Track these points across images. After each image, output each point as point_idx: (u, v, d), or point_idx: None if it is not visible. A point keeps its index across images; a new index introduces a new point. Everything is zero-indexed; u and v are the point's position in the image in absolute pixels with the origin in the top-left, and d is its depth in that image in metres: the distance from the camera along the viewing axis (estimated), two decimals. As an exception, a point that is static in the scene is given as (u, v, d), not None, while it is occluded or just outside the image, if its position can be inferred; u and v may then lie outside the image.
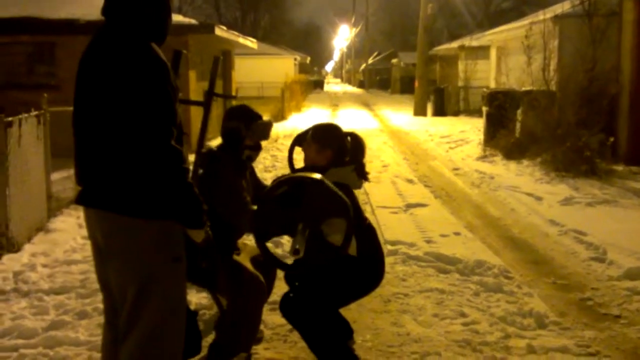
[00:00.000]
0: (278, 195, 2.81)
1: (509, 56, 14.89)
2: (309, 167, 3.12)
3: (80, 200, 2.34)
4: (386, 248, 5.48)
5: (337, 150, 3.17)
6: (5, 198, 5.33)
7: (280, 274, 3.59)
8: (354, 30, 49.37)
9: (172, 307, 2.31)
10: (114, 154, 2.19)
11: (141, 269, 2.24)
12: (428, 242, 5.67)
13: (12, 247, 5.40)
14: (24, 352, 3.35)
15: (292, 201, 2.78)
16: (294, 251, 2.58)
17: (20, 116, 5.64)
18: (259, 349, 3.49)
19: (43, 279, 4.68)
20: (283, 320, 3.87)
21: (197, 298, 4.22)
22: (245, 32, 21.89)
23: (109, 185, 2.22)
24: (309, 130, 3.28)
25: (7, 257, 5.19)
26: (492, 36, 18.96)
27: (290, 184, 2.81)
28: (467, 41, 23.04)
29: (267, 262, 3.12)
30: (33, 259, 5.18)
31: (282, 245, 5.54)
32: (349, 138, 3.25)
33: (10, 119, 5.49)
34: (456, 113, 21.69)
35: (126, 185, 2.20)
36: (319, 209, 2.73)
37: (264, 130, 3.38)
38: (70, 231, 6.09)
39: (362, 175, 3.21)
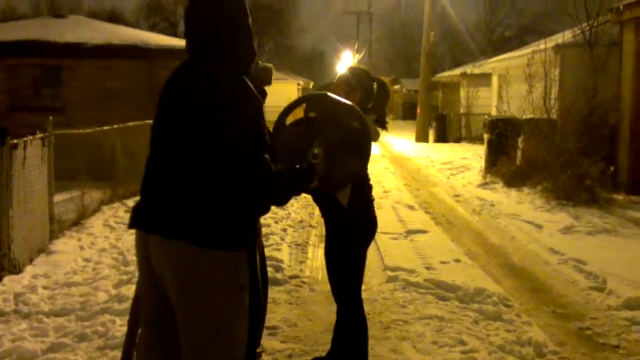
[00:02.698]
0: (289, 125, 2.83)
1: (510, 84, 15.02)
2: None
3: (142, 225, 2.27)
4: (386, 275, 5.50)
5: (365, 93, 3.25)
6: (8, 220, 5.37)
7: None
8: (358, 57, 49.85)
9: (240, 336, 2.29)
10: (194, 183, 2.16)
11: (211, 299, 2.19)
12: (428, 269, 5.68)
13: (14, 268, 5.42)
14: (23, 374, 3.36)
15: (304, 124, 2.80)
16: (313, 156, 2.51)
17: (25, 139, 5.71)
18: (257, 375, 3.49)
19: (44, 301, 4.69)
20: (282, 346, 3.90)
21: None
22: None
23: (184, 214, 2.17)
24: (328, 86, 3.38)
25: (8, 279, 5.21)
26: (494, 64, 19.15)
27: (297, 105, 2.83)
28: (470, 69, 23.25)
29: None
30: (34, 281, 5.20)
31: (283, 270, 5.56)
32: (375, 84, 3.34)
33: (15, 141, 5.55)
34: (458, 140, 21.79)
35: (202, 215, 2.16)
36: (331, 122, 2.69)
37: (266, 74, 3.43)
38: (72, 253, 6.12)
39: (383, 125, 3.31)
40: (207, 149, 2.14)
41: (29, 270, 5.55)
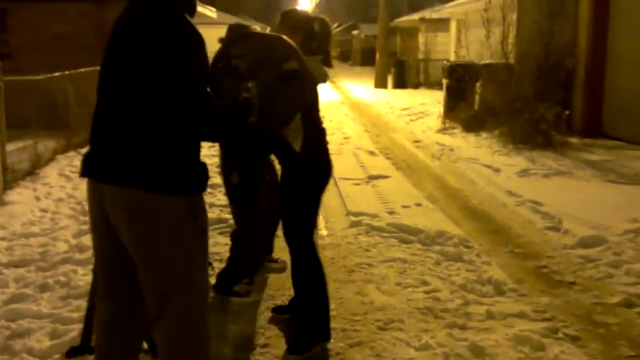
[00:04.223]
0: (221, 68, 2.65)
1: (469, 29, 15.03)
2: None
3: (95, 174, 2.21)
4: (349, 219, 5.55)
5: (306, 34, 3.20)
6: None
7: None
8: (314, 1, 49.03)
9: (202, 280, 2.30)
10: (147, 127, 2.10)
11: (170, 244, 2.16)
12: (390, 213, 5.75)
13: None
14: (-15, 325, 3.30)
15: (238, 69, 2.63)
16: (246, 89, 2.40)
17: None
18: (226, 323, 3.51)
19: (1, 252, 4.59)
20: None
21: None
22: (203, 1, 21.46)
23: (138, 161, 2.12)
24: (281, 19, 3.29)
25: (-39, 230, 5.07)
26: (453, 9, 19.09)
27: (228, 45, 2.68)
28: (428, 14, 23.12)
29: None
30: (-11, 232, 5.07)
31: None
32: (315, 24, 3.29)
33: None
34: (416, 85, 21.84)
35: (156, 160, 2.11)
36: (266, 59, 2.56)
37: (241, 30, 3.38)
38: (28, 203, 5.97)
39: (328, 64, 3.29)
40: (156, 92, 2.09)
41: (-18, 221, 5.40)
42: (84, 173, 2.25)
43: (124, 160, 2.14)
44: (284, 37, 2.64)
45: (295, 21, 3.24)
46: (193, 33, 2.15)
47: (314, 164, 3.24)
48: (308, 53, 3.13)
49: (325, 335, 3.30)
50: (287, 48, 2.55)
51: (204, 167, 2.26)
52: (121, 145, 2.14)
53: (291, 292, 3.93)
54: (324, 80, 3.26)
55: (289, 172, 3.28)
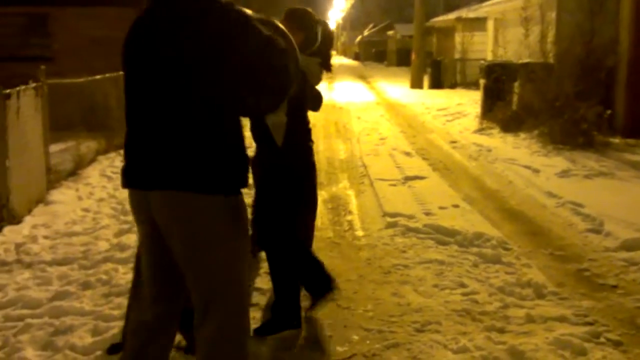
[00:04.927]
0: None
1: (506, 28, 14.80)
2: None
3: (136, 183, 2.21)
4: (385, 220, 5.53)
5: (308, 34, 3.25)
6: (5, 170, 5.33)
7: None
8: (349, 2, 48.98)
9: (244, 278, 2.30)
10: (183, 128, 2.10)
11: (218, 244, 2.16)
12: (427, 214, 5.71)
13: (13, 218, 5.41)
14: (30, 321, 3.38)
15: None
16: None
17: (18, 88, 5.61)
18: (262, 320, 3.53)
19: (45, 250, 4.71)
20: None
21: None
22: (238, 3, 21.68)
23: (182, 163, 2.11)
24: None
25: (8, 229, 5.21)
26: (489, 8, 18.83)
27: None
28: (464, 13, 22.88)
29: None
30: (34, 231, 5.20)
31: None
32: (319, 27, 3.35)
33: (8, 91, 5.46)
34: (453, 86, 21.63)
35: (193, 160, 2.11)
36: None
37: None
38: (70, 203, 6.11)
39: (327, 67, 3.36)
40: (204, 90, 2.07)
41: (28, 220, 5.54)
42: (125, 184, 2.24)
43: (163, 165, 2.13)
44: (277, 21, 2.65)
45: (299, 20, 3.28)
46: (234, 17, 2.10)
47: (293, 162, 3.28)
48: (307, 53, 3.18)
49: (296, 323, 3.37)
50: (275, 27, 2.56)
51: (244, 162, 2.23)
52: (159, 150, 2.13)
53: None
54: (316, 83, 3.34)
55: (269, 166, 3.32)
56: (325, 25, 3.40)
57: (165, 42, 2.11)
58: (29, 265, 4.39)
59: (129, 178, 2.23)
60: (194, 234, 2.16)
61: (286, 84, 2.20)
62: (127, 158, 2.24)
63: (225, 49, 2.07)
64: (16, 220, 5.45)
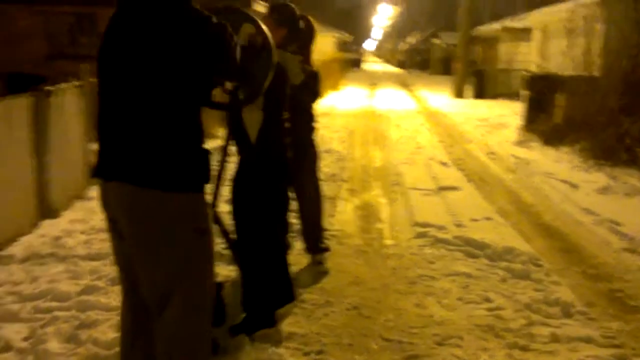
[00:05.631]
0: None
1: (550, 39, 14.54)
2: None
3: (100, 173, 2.26)
4: (415, 230, 5.49)
5: (291, 29, 3.30)
6: (44, 165, 5.49)
7: None
8: (395, 10, 48.86)
9: (203, 279, 2.29)
10: (145, 122, 2.14)
11: (170, 243, 2.18)
12: (458, 225, 5.65)
13: (51, 213, 5.57)
14: (58, 314, 3.48)
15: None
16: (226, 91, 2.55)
17: (61, 86, 5.77)
18: (283, 325, 3.55)
19: (80, 245, 4.82)
20: (307, 296, 3.95)
21: (226, 271, 4.31)
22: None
23: (137, 157, 2.15)
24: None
25: (46, 223, 5.36)
26: (535, 18, 18.53)
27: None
28: (509, 22, 22.58)
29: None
30: (71, 226, 5.33)
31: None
32: (301, 22, 3.41)
33: (51, 88, 5.63)
34: (495, 96, 21.31)
35: (151, 156, 2.14)
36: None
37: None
38: (107, 200, 6.23)
39: (307, 63, 3.43)
40: (172, 84, 2.11)
41: (66, 215, 5.69)
42: (92, 174, 2.30)
43: (121, 157, 2.18)
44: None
45: (282, 15, 3.32)
46: (208, 25, 2.13)
47: (267, 159, 3.29)
48: (290, 49, 3.22)
49: (271, 321, 3.39)
50: (246, 16, 2.57)
51: (204, 161, 2.24)
52: (119, 143, 2.18)
53: (350, 300, 3.95)
54: (297, 81, 3.36)
55: (242, 163, 3.36)
56: (307, 21, 3.46)
57: (129, 42, 2.16)
58: (63, 259, 4.51)
59: (94, 169, 2.28)
60: (140, 229, 2.18)
61: (239, 74, 2.29)
62: (98, 151, 2.29)
63: (183, 49, 2.10)
64: (54, 214, 5.61)
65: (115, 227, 2.29)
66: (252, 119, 3.15)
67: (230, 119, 3.35)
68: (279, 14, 3.31)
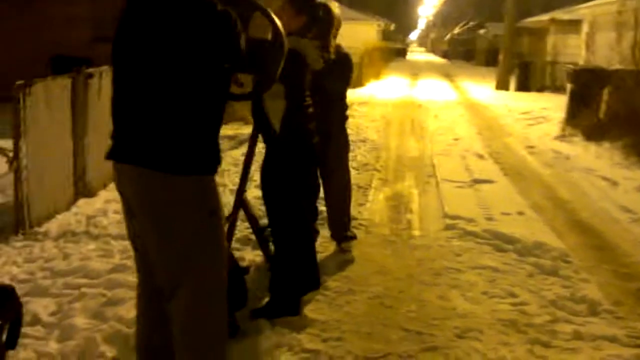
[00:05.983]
0: None
1: (600, 32, 14.14)
2: None
3: (112, 155, 2.30)
4: (444, 222, 5.45)
5: (311, 17, 3.29)
6: (83, 145, 5.64)
7: None
8: (440, 0, 48.27)
9: (213, 261, 2.32)
10: (157, 106, 2.17)
11: (179, 225, 2.22)
12: (489, 219, 5.58)
13: (88, 192, 5.73)
14: (85, 291, 3.59)
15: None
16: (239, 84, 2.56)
17: (100, 68, 5.91)
18: (305, 310, 3.58)
19: (113, 224, 4.95)
20: (332, 284, 3.98)
21: (252, 255, 4.37)
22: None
23: (147, 141, 2.19)
24: None
25: (82, 201, 5.52)
26: (586, 10, 18.03)
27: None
28: (559, 14, 22.02)
29: None
30: (106, 205, 5.48)
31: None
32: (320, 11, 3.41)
33: (91, 70, 5.76)
34: (541, 89, 20.84)
35: (165, 141, 2.17)
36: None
37: None
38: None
39: (326, 50, 3.42)
40: (174, 71, 2.13)
41: (102, 194, 5.85)
42: (106, 156, 2.34)
43: (132, 141, 2.22)
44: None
45: (298, 4, 3.30)
46: (212, 12, 2.15)
47: (292, 146, 3.30)
48: (310, 36, 3.20)
49: (295, 309, 3.42)
50: (257, 6, 2.55)
51: (213, 147, 2.28)
52: (130, 126, 2.22)
53: (373, 289, 3.96)
54: (317, 66, 3.34)
55: (269, 150, 3.38)
56: (326, 8, 3.44)
57: (139, 27, 2.19)
58: (96, 237, 4.65)
59: (108, 151, 2.32)
60: (149, 211, 2.22)
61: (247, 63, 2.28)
62: (111, 133, 2.33)
63: (186, 35, 2.12)
64: (91, 193, 5.77)
65: (129, 208, 2.34)
66: (275, 108, 3.17)
67: (254, 108, 3.39)
68: (295, 2, 3.31)
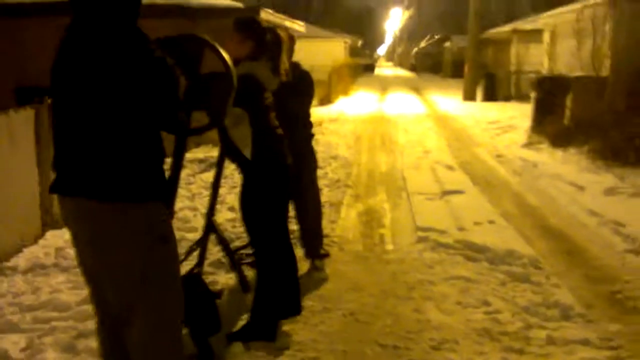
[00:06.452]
0: None
1: (560, 40, 14.45)
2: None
3: (56, 188, 2.25)
4: (417, 235, 5.48)
5: (258, 42, 3.33)
6: (49, 177, 5.56)
7: None
8: (407, 13, 48.89)
9: (167, 288, 2.29)
10: (99, 137, 2.14)
11: (130, 253, 2.19)
12: (460, 229, 5.63)
13: (56, 223, 5.64)
14: (56, 324, 3.52)
15: None
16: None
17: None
18: (280, 331, 3.56)
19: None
20: (305, 302, 3.96)
21: (224, 279, 4.34)
22: (297, 16, 21.91)
23: (92, 172, 2.16)
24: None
25: (50, 233, 5.43)
26: (547, 19, 18.42)
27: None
28: (520, 24, 22.46)
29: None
30: (75, 236, 5.39)
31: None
32: (268, 35, 3.45)
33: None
34: (507, 98, 21.20)
35: (109, 170, 2.15)
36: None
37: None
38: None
39: (276, 72, 3.45)
40: (116, 105, 2.11)
41: (71, 225, 5.75)
42: (50, 190, 2.30)
43: (75, 173, 2.19)
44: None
45: (246, 29, 3.35)
46: (148, 59, 2.15)
47: (268, 170, 3.33)
48: (261, 58, 3.28)
49: (271, 335, 3.40)
50: (205, 42, 2.57)
51: (160, 174, 2.26)
52: (72, 158, 2.19)
53: (348, 306, 3.95)
54: (272, 87, 3.40)
55: (245, 176, 3.40)
56: (274, 32, 3.55)
57: (76, 58, 2.16)
58: (65, 269, 4.56)
59: (52, 184, 2.28)
60: (94, 240, 2.20)
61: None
62: (53, 166, 2.29)
63: (125, 75, 2.11)
64: (59, 225, 5.67)
65: (77, 241, 2.30)
66: (240, 136, 3.18)
67: (222, 139, 3.40)
68: (243, 28, 3.36)
